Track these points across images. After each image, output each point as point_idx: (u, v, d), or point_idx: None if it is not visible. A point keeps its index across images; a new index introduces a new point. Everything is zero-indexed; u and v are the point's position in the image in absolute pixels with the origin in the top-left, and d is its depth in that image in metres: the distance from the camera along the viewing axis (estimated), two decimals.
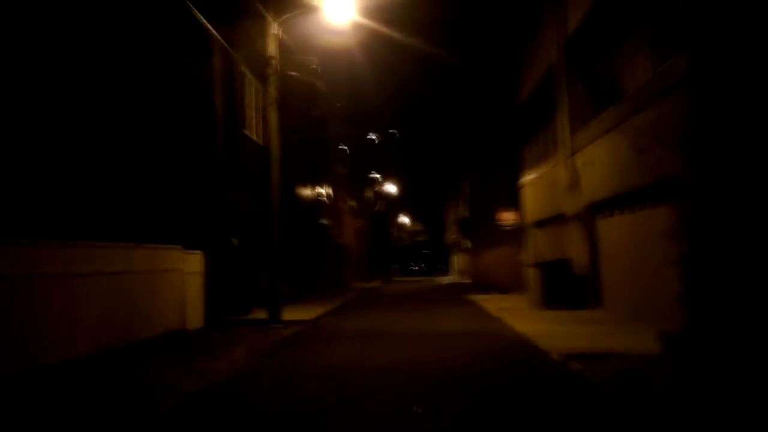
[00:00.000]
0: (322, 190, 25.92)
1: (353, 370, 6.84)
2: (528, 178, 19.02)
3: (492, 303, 15.31)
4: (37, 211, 8.31)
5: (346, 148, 33.70)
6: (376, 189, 46.13)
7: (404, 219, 63.49)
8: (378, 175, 46.34)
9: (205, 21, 10.73)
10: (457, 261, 45.82)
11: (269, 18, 12.31)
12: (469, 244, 31.76)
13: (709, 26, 7.51)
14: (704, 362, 6.24)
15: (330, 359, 7.64)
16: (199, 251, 11.72)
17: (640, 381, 5.58)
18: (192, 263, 11.43)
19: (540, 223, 17.54)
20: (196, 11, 10.38)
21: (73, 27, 9.32)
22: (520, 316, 11.57)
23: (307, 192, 22.65)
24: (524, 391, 5.68)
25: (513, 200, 21.79)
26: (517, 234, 21.62)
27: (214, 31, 11.32)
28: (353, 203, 38.55)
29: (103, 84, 10.09)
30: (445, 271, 56.54)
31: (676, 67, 8.18)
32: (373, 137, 46.46)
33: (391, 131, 54.16)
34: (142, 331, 9.26)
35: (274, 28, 12.40)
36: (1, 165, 7.89)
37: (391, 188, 49.50)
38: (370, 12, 14.07)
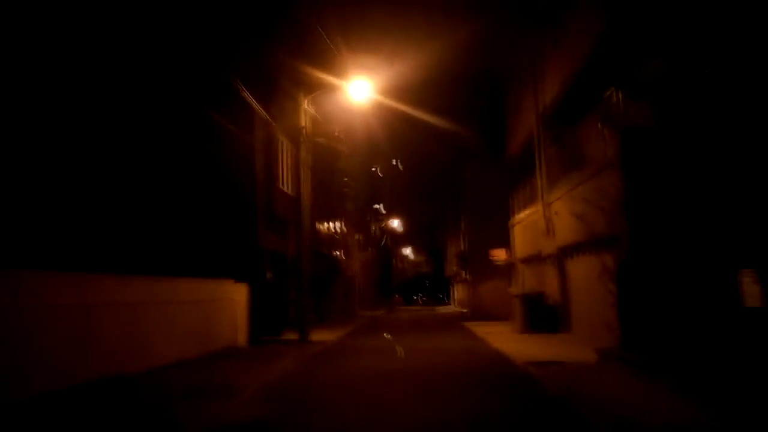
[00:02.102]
0: (334, 226, 28.85)
1: (373, 370, 9.62)
2: (516, 219, 21.92)
3: (482, 329, 18.06)
4: (148, 255, 11.28)
5: (352, 182, 36.58)
6: (380, 224, 49.04)
7: (407, 251, 66.25)
8: (381, 206, 49.36)
9: (253, 101, 13.83)
10: (457, 292, 48.33)
11: (302, 95, 15.45)
12: (467, 277, 34.42)
13: (635, 131, 10.46)
14: (619, 367, 8.99)
15: (355, 365, 10.43)
16: (245, 283, 14.55)
17: (570, 377, 8.34)
18: (240, 293, 14.25)
19: (525, 260, 20.36)
20: (247, 93, 13.48)
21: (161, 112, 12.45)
22: (501, 338, 14.33)
23: (322, 228, 25.57)
24: (490, 382, 8.46)
25: (505, 238, 24.60)
26: (508, 269, 24.38)
27: (259, 108, 14.41)
28: (360, 236, 41.46)
29: (178, 156, 13.18)
30: (445, 302, 58.99)
31: (613, 150, 11.12)
32: (376, 169, 49.55)
33: (394, 163, 57.45)
34: (209, 345, 12.03)
35: (305, 104, 15.53)
36: (130, 229, 10.89)
37: (394, 223, 52.43)
38: (385, 90, 17.33)
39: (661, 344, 8.83)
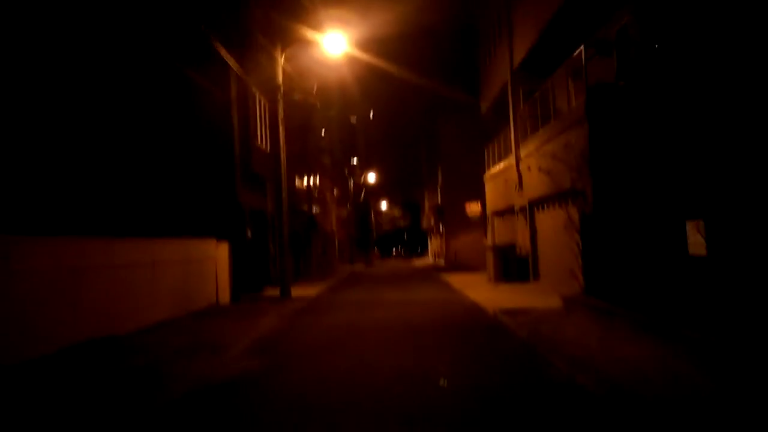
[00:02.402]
0: (311, 181, 29.01)
1: (355, 323, 10.18)
2: (489, 173, 22.45)
3: (456, 279, 18.83)
4: (132, 217, 11.43)
5: (328, 136, 36.48)
6: (357, 178, 49.21)
7: (384, 205, 66.81)
8: (357, 160, 49.44)
9: (230, 57, 13.70)
10: (433, 245, 49.39)
11: (278, 51, 15.31)
12: (442, 230, 35.24)
13: (602, 89, 10.83)
14: (581, 311, 9.71)
15: (338, 318, 10.98)
16: (225, 241, 14.84)
17: (536, 322, 9.02)
18: (221, 251, 14.56)
19: (498, 213, 21.02)
20: (223, 50, 13.34)
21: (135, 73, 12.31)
22: (476, 289, 15.06)
23: (299, 184, 25.74)
24: (464, 330, 9.09)
25: (479, 191, 25.20)
26: (482, 221, 25.11)
27: (235, 64, 14.27)
28: (337, 191, 41.71)
29: (155, 116, 13.11)
30: (422, 254, 60.23)
31: (580, 107, 11.53)
32: (353, 120, 49.31)
33: (370, 115, 57.09)
34: (194, 304, 12.42)
35: (281, 59, 15.42)
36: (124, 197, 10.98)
37: (371, 176, 52.62)
38: (359, 43, 17.22)
39: (619, 290, 9.54)
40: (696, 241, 6.97)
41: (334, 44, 15.37)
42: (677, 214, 7.58)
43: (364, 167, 51.79)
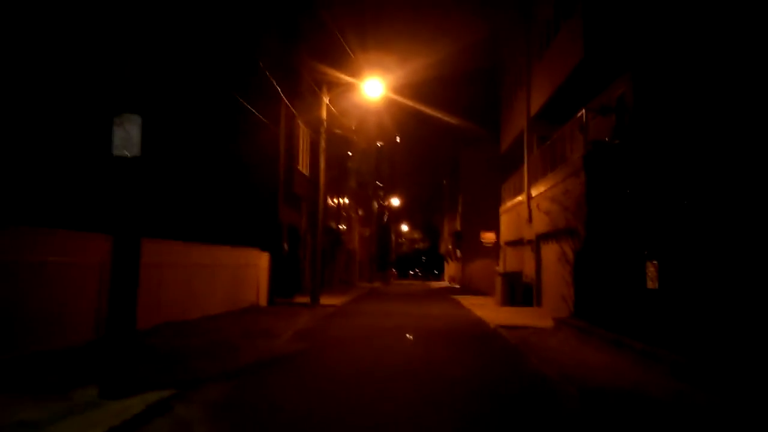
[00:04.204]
0: (339, 201, 31.34)
1: (377, 326, 12.26)
2: (504, 207, 24.45)
3: (468, 301, 20.77)
4: (197, 226, 13.77)
5: (356, 160, 38.80)
6: (381, 201, 51.46)
7: (404, 227, 68.90)
8: (382, 185, 51.78)
9: (284, 99, 16.15)
10: (450, 268, 51.14)
11: (323, 93, 17.73)
12: (459, 255, 37.12)
13: (599, 147, 12.85)
14: (567, 330, 11.62)
15: (362, 322, 13.07)
16: (267, 252, 17.10)
17: (527, 335, 10.97)
18: (263, 260, 16.82)
19: (510, 243, 22.95)
20: (281, 94, 15.80)
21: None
22: (483, 308, 17.00)
23: (328, 203, 28.07)
24: (468, 337, 11.09)
25: (494, 222, 27.17)
26: (495, 250, 27.02)
27: (286, 101, 16.73)
28: (361, 212, 43.99)
29: (220, 145, 15.57)
30: (439, 277, 61.93)
31: (579, 159, 13.55)
32: (380, 143, 51.70)
33: (397, 140, 59.55)
34: (239, 303, 14.64)
35: (326, 100, 17.82)
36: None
37: (394, 200, 54.85)
38: (394, 85, 19.61)
39: (599, 313, 11.45)
40: (651, 277, 8.91)
41: (372, 88, 17.72)
42: (641, 254, 9.51)
43: (388, 191, 54.14)
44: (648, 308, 8.92)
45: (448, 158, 42.82)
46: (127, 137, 5.29)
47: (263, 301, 16.70)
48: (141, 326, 9.75)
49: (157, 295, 10.50)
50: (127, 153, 5.27)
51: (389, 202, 53.94)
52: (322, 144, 17.61)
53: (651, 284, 8.90)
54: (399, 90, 22.41)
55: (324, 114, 17.57)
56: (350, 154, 35.45)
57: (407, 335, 10.87)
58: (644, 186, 10.99)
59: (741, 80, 8.86)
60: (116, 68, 5.52)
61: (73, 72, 10.50)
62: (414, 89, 28.93)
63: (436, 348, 9.43)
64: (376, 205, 50.23)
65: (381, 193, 52.30)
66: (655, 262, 8.88)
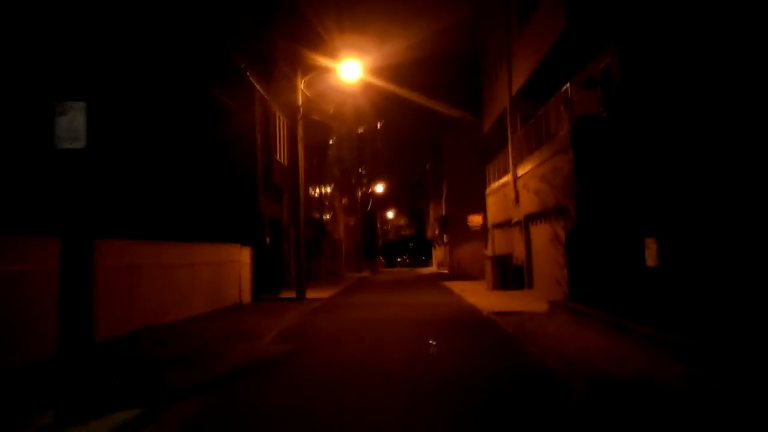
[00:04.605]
0: (322, 191, 30.68)
1: (367, 319, 11.74)
2: (490, 189, 24.02)
3: (458, 286, 20.37)
4: (172, 223, 13.08)
5: (338, 148, 38.07)
6: (365, 188, 50.83)
7: (390, 214, 68.41)
8: (365, 172, 51.12)
9: (257, 85, 15.43)
10: (437, 254, 50.87)
11: (298, 78, 17.00)
12: (446, 240, 36.76)
13: (586, 120, 12.39)
14: (562, 313, 11.23)
15: (350, 315, 12.54)
16: (249, 247, 16.45)
17: (522, 321, 10.55)
18: (245, 256, 16.17)
19: (498, 226, 22.56)
20: (253, 79, 15.08)
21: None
22: (474, 294, 16.59)
23: (311, 193, 27.40)
24: (461, 326, 10.63)
25: (481, 204, 26.76)
26: (483, 233, 26.65)
27: (262, 90, 16.00)
28: (346, 200, 43.35)
29: (192, 132, 14.82)
30: (427, 263, 61.68)
31: (567, 135, 13.09)
32: (362, 130, 50.95)
33: (378, 126, 58.82)
34: (221, 302, 14.01)
35: (301, 85, 17.10)
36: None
37: (378, 187, 54.25)
38: (373, 68, 18.90)
39: (595, 295, 11.06)
40: (650, 254, 8.49)
41: (350, 71, 17.02)
42: (639, 231, 9.09)
43: (372, 178, 53.50)
44: (648, 287, 8.52)
45: (430, 142, 42.29)
46: (72, 127, 4.64)
47: (247, 298, 16.10)
48: (114, 333, 9.15)
49: (131, 300, 9.85)
50: (72, 145, 4.62)
51: (373, 189, 53.35)
52: (300, 131, 16.93)
53: (651, 262, 8.49)
54: (378, 72, 21.77)
55: (300, 99, 16.87)
56: (331, 142, 34.72)
57: (398, 328, 10.38)
58: (637, 159, 10.55)
59: (734, 42, 8.42)
60: (58, 47, 4.84)
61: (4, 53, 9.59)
62: (393, 72, 28.25)
63: (431, 342, 8.94)
64: (360, 192, 49.61)
65: (365, 181, 51.66)
66: (654, 238, 8.46)
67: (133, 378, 6.34)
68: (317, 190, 29.03)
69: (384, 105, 48.53)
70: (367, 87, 27.67)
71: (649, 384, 5.72)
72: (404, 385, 6.03)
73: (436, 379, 6.27)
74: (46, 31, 8.10)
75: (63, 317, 4.76)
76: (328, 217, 32.12)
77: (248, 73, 13.89)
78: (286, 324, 11.32)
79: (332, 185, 34.79)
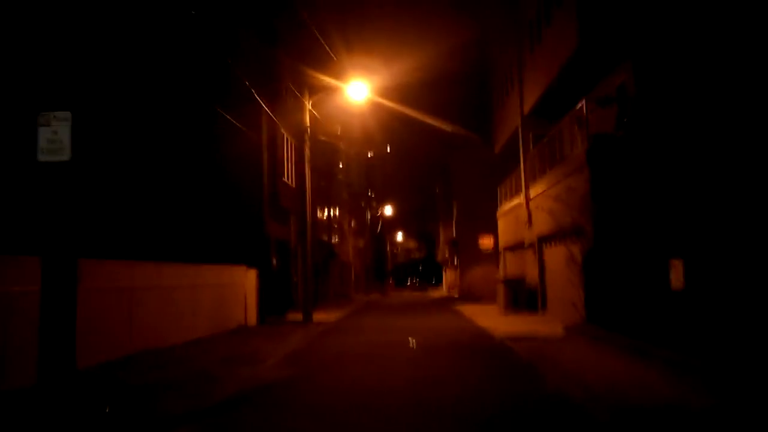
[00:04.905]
0: (331, 213, 30.39)
1: (374, 344, 11.26)
2: (502, 210, 23.57)
3: (469, 310, 19.79)
4: (174, 244, 12.77)
5: (347, 170, 37.86)
6: (374, 211, 50.55)
7: (399, 237, 67.95)
8: (374, 194, 50.88)
9: (264, 105, 15.24)
10: (448, 276, 50.16)
11: (306, 98, 16.84)
12: (456, 263, 36.18)
13: (602, 139, 12.00)
14: (580, 338, 10.68)
15: (357, 340, 12.06)
16: (254, 268, 16.08)
17: (538, 347, 10.01)
18: (250, 277, 15.78)
19: (510, 248, 22.04)
20: (260, 99, 14.88)
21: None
22: (485, 317, 16.03)
23: (319, 215, 27.10)
24: (473, 352, 10.11)
25: (492, 226, 26.27)
26: (494, 255, 26.10)
27: (268, 111, 15.83)
28: (354, 222, 43.02)
29: (197, 154, 14.61)
30: (437, 286, 60.88)
31: (582, 154, 12.70)
32: (371, 155, 50.84)
33: (387, 149, 58.78)
34: (225, 324, 13.59)
35: (308, 105, 16.93)
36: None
37: (387, 209, 53.97)
38: (381, 88, 18.77)
39: (614, 319, 10.53)
40: (676, 277, 8.01)
41: (357, 91, 16.87)
42: (661, 252, 8.63)
43: (381, 200, 53.25)
44: (673, 311, 8.02)
45: (439, 164, 42.01)
46: (55, 138, 4.34)
47: (252, 320, 15.66)
48: (111, 357, 8.75)
49: (129, 322, 9.48)
50: (54, 158, 4.32)
51: (382, 212, 53.04)
52: (307, 151, 16.69)
53: (676, 284, 8.00)
54: (385, 93, 21.61)
55: (307, 119, 16.67)
56: (341, 166, 34.59)
57: (407, 354, 9.89)
58: (657, 178, 10.13)
59: (759, 55, 8.06)
60: (43, 55, 4.58)
61: None
62: (401, 92, 28.12)
63: (441, 369, 8.46)
64: (369, 215, 49.30)
65: (374, 204, 51.41)
66: (680, 260, 7.99)
67: (127, 405, 5.93)
68: (326, 213, 28.76)
69: (392, 126, 48.51)
70: (375, 108, 27.60)
71: (679, 415, 5.22)
72: (413, 421, 5.56)
73: (448, 414, 5.79)
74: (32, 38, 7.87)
75: (42, 342, 4.39)
76: (336, 239, 31.77)
77: (253, 92, 13.69)
78: (290, 347, 10.87)
79: (341, 207, 34.52)
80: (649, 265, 9.32)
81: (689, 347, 7.16)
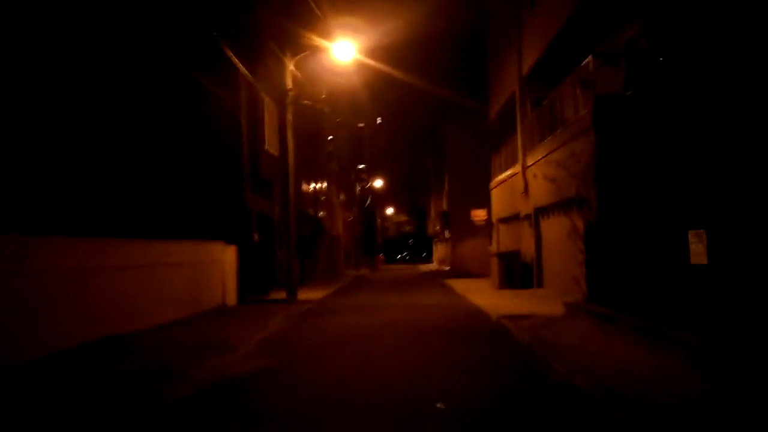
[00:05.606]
0: (318, 186, 29.26)
1: (361, 325, 10.34)
2: (496, 181, 22.59)
3: (461, 285, 18.95)
4: (141, 218, 11.68)
5: (335, 141, 36.57)
6: (364, 184, 49.42)
7: (390, 211, 66.98)
8: (364, 167, 49.64)
9: (238, 62, 13.94)
10: (438, 250, 49.47)
11: (288, 58, 15.56)
12: (448, 236, 35.36)
13: (609, 99, 10.94)
14: (583, 318, 9.82)
15: (343, 320, 11.14)
16: (234, 245, 15.04)
17: (538, 327, 9.14)
18: (229, 254, 14.77)
19: (503, 220, 21.14)
20: (233, 57, 13.59)
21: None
22: (479, 294, 15.18)
23: (306, 188, 25.98)
24: (468, 334, 9.23)
25: (485, 198, 25.33)
26: (487, 228, 25.23)
27: (244, 69, 14.53)
28: (344, 196, 41.92)
29: (166, 119, 13.38)
30: (427, 260, 60.27)
31: (587, 116, 11.66)
32: (361, 125, 49.46)
33: (378, 121, 57.29)
34: (202, 305, 12.61)
35: (291, 66, 15.66)
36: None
37: (377, 182, 52.84)
38: (368, 50, 17.47)
39: (621, 297, 9.65)
40: (697, 250, 7.09)
41: (343, 51, 15.62)
42: (679, 223, 7.70)
43: (371, 172, 52.03)
44: (694, 289, 7.13)
45: (431, 134, 40.77)
46: None
47: (232, 299, 14.71)
48: (65, 345, 7.75)
49: (85, 306, 8.45)
50: None
51: (372, 185, 51.93)
52: (289, 117, 15.51)
53: (698, 258, 7.08)
54: (374, 54, 20.27)
55: (290, 81, 15.44)
56: (330, 138, 33.29)
57: (397, 337, 8.98)
58: (672, 141, 9.12)
59: None
60: None
61: None
62: (391, 54, 26.69)
63: (434, 354, 7.56)
64: (358, 188, 48.18)
65: (364, 176, 50.23)
66: (702, 230, 7.05)
67: (62, 410, 4.96)
68: (313, 185, 27.62)
69: (382, 93, 46.93)
70: (363, 72, 26.23)
71: (717, 418, 4.34)
72: (406, 416, 4.64)
73: (442, 408, 4.88)
74: None
75: None
76: (324, 213, 30.72)
77: (226, 50, 12.42)
78: (269, 331, 9.94)
79: (329, 180, 33.37)
80: (661, 237, 8.40)
81: (714, 331, 6.29)
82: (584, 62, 11.69)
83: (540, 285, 15.65)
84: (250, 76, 14.64)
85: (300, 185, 23.29)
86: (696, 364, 5.88)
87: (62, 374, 6.44)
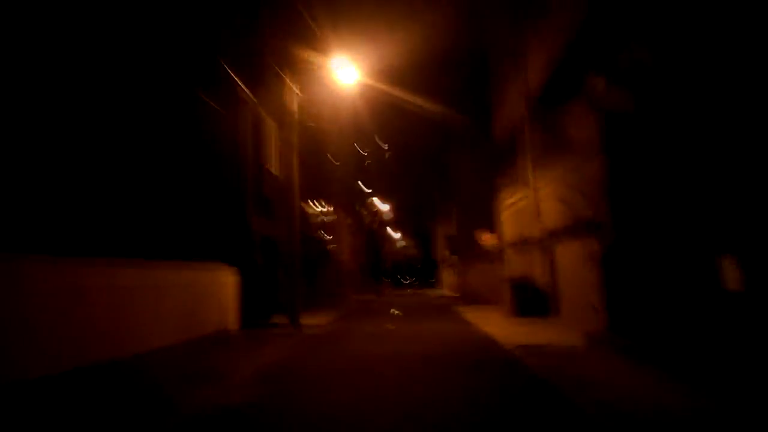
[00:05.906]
0: (323, 209, 28.83)
1: (366, 355, 9.74)
2: (504, 204, 22.06)
3: (471, 313, 18.27)
4: (139, 239, 11.24)
5: (340, 164, 36.34)
6: (369, 208, 49.04)
7: (396, 235, 66.44)
8: (370, 191, 49.31)
9: (242, 84, 13.71)
10: (446, 276, 48.68)
11: (292, 81, 15.30)
12: (456, 261, 34.67)
13: (617, 118, 10.53)
14: (605, 350, 9.19)
15: (347, 349, 10.54)
16: (235, 267, 14.55)
17: (556, 361, 8.52)
18: (230, 277, 14.26)
19: (514, 245, 20.54)
20: (235, 78, 13.36)
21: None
22: (491, 322, 14.52)
23: (311, 211, 25.56)
24: (479, 366, 8.61)
25: (494, 223, 24.76)
26: (497, 253, 24.59)
27: (247, 90, 14.29)
28: (349, 220, 41.46)
29: (168, 139, 13.06)
30: (434, 285, 59.36)
31: (595, 137, 11.21)
32: (366, 153, 49.33)
33: (385, 148, 57.21)
34: (200, 330, 12.07)
35: (295, 89, 15.40)
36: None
37: (383, 206, 52.49)
38: (371, 72, 17.24)
39: (646, 327, 9.04)
40: (731, 277, 6.54)
41: (347, 73, 15.37)
42: (708, 247, 7.17)
43: (376, 196, 51.68)
44: (727, 318, 6.56)
45: (436, 157, 40.45)
46: None
47: (233, 324, 14.14)
48: (49, 371, 7.22)
49: (69, 331, 7.93)
50: None
51: (379, 210, 51.55)
52: (294, 138, 15.17)
53: (731, 285, 6.51)
54: (377, 77, 20.04)
55: (294, 102, 15.15)
56: (337, 163, 33.07)
57: (404, 369, 8.38)
58: (692, 161, 8.64)
59: None
60: None
61: None
62: (393, 77, 26.52)
63: (445, 391, 6.95)
64: (365, 212, 47.78)
65: (369, 200, 49.88)
66: (734, 256, 6.51)
67: None
68: (318, 209, 27.22)
69: (386, 120, 46.86)
70: (367, 97, 26.06)
71: None
72: None
73: None
74: None
75: None
76: (330, 237, 30.24)
77: (229, 70, 12.17)
78: (267, 359, 9.37)
79: (336, 205, 32.99)
80: (686, 263, 7.85)
81: (761, 372, 5.70)
82: (592, 82, 11.29)
83: (555, 313, 14.99)
84: (251, 95, 14.37)
85: (305, 209, 22.89)
86: (744, 408, 5.28)
87: (33, 404, 5.91)
